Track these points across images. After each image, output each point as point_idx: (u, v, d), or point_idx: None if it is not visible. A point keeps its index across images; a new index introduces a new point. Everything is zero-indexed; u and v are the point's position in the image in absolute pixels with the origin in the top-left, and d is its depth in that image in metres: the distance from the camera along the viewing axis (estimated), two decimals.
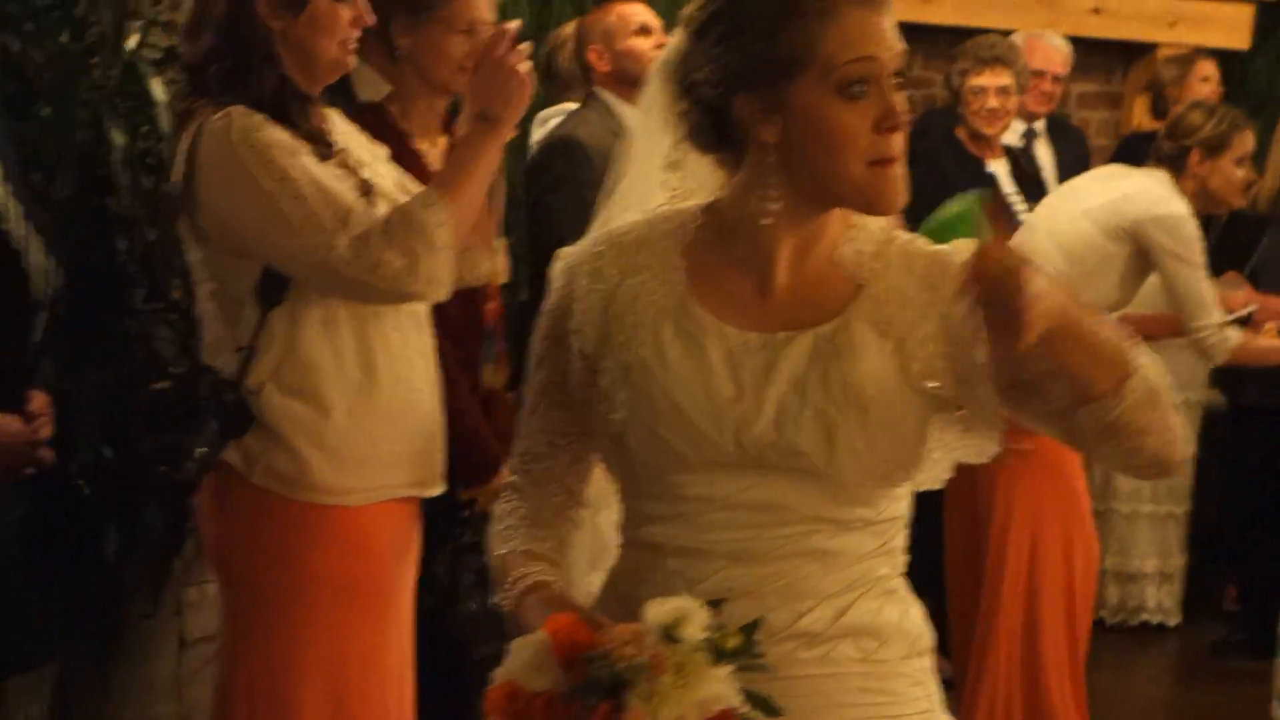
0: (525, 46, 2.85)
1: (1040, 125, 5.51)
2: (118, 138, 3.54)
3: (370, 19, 2.78)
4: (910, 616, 1.88)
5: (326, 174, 2.66)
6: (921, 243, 1.93)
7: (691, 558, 1.81)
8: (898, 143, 1.78)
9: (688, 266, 1.90)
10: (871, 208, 1.81)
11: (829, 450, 1.77)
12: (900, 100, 1.79)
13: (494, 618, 3.20)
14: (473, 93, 2.86)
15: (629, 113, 3.59)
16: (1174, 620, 5.93)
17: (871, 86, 1.77)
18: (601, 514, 2.09)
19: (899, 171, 1.80)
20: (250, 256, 2.67)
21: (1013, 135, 5.24)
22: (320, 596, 2.73)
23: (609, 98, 3.95)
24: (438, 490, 2.90)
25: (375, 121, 3.15)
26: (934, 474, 1.88)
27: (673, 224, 1.95)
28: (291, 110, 2.68)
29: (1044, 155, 5.50)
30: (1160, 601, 5.94)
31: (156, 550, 3.94)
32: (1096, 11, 5.52)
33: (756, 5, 1.81)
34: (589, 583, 2.10)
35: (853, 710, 1.84)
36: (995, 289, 1.61)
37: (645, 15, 4.04)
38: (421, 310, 2.84)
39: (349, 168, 2.74)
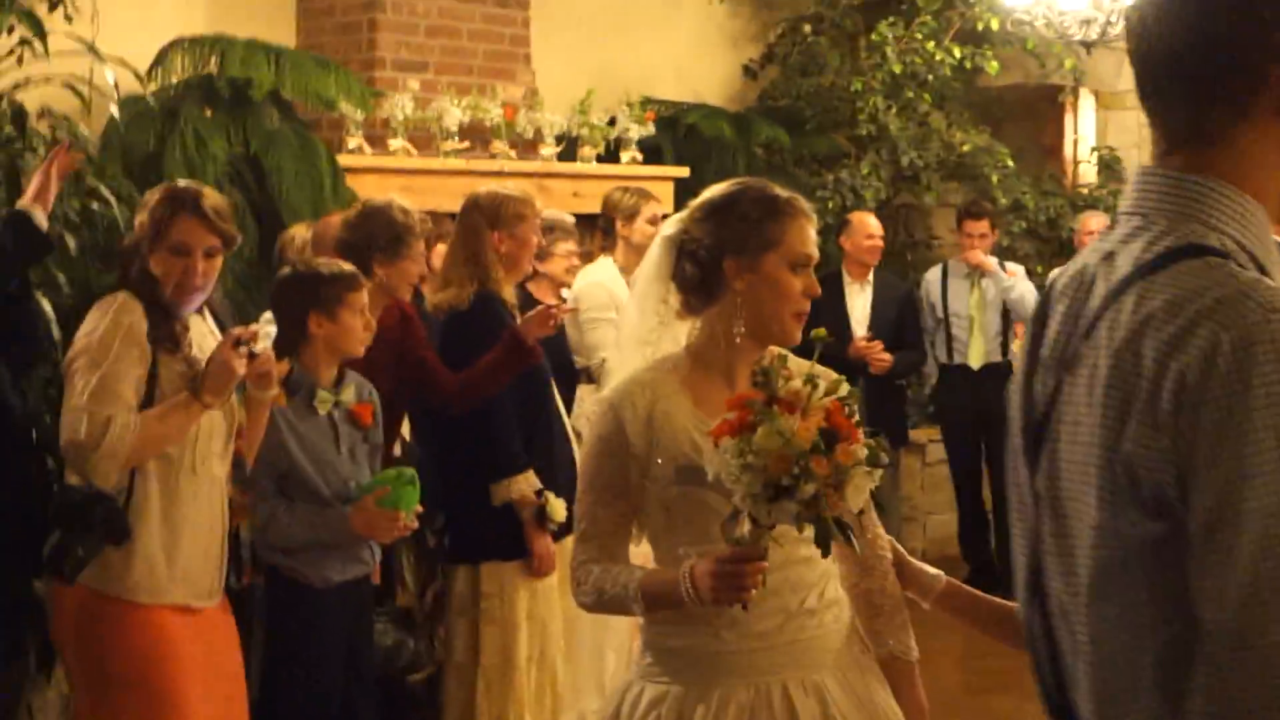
0: (250, 347, 3.62)
1: None
2: None
3: (199, 278, 3.67)
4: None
5: (128, 373, 3.54)
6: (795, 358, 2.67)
7: None
8: (808, 304, 2.69)
9: (690, 393, 2.70)
10: (787, 342, 2.70)
11: None
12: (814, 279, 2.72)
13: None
14: (201, 376, 3.64)
15: None
16: None
17: (806, 268, 2.70)
18: None
19: (803, 321, 2.70)
20: None
21: None
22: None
23: None
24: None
25: None
26: None
27: (669, 365, 2.75)
28: (156, 312, 3.64)
29: None
30: None
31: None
32: (576, 195, 7.31)
33: (753, 206, 2.70)
34: None
35: (839, 654, 2.73)
36: None
37: None
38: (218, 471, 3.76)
39: (186, 359, 3.69)
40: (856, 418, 2.46)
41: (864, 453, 2.41)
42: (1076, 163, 10.42)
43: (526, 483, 4.67)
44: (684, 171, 7.93)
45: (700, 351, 2.77)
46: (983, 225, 7.87)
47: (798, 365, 2.64)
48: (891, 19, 8.89)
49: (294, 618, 4.06)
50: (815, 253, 2.75)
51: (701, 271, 2.72)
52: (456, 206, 5.98)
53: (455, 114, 6.98)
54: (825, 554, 2.47)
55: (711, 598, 2.55)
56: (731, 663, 2.67)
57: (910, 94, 8.92)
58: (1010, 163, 9.14)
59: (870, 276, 7.69)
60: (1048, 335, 1.71)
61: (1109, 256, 1.64)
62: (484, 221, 4.80)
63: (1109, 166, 10.20)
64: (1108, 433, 1.55)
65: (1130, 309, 1.56)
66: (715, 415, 2.53)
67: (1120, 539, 1.56)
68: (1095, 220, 8.55)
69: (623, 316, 5.74)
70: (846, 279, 7.66)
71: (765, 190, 2.77)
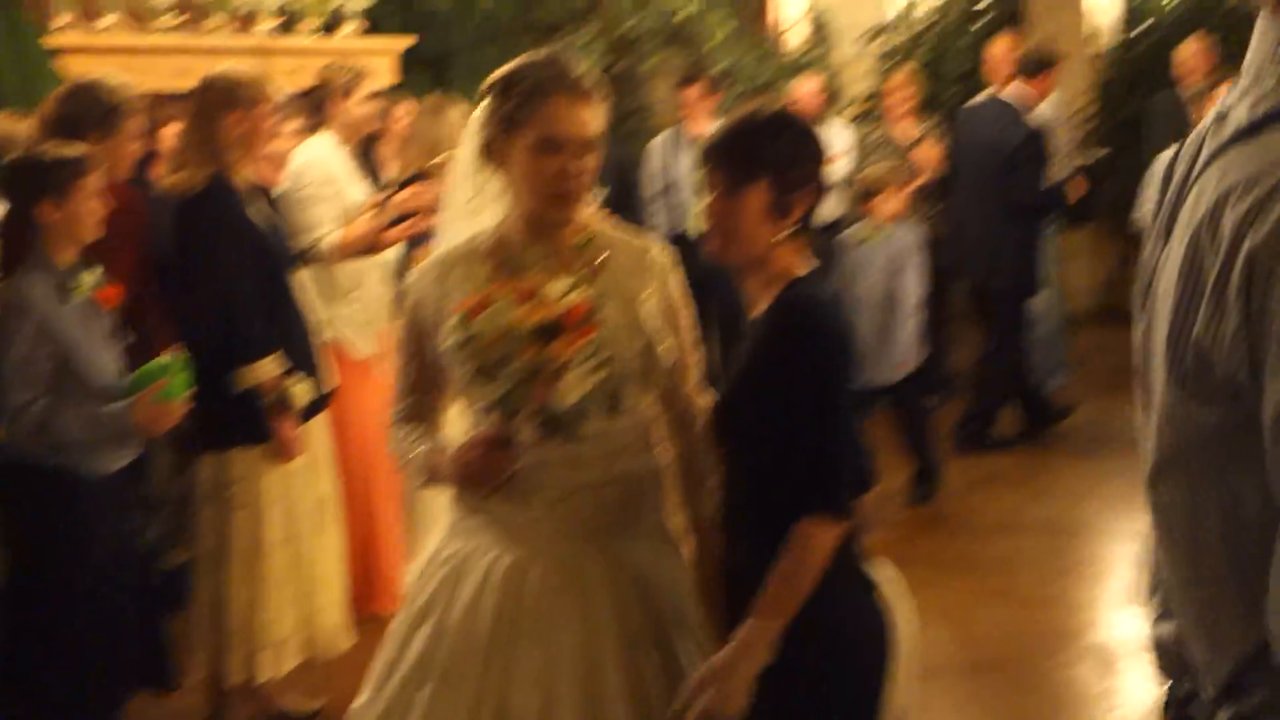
0: None
1: None
2: None
3: None
4: None
5: None
6: (619, 234, 2.82)
7: None
8: (568, 185, 2.65)
9: (490, 267, 2.75)
10: (550, 225, 2.73)
11: None
12: (579, 162, 2.65)
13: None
14: None
15: None
16: None
17: (561, 150, 2.63)
18: None
19: (566, 203, 2.69)
20: None
21: None
22: None
23: None
24: None
25: None
26: None
27: (476, 242, 2.81)
28: None
29: None
30: None
31: None
32: (297, 71, 7.17)
33: (517, 85, 2.69)
34: None
35: (622, 525, 2.83)
36: None
37: None
38: None
39: None
40: (596, 318, 2.56)
41: (588, 349, 2.53)
42: (784, 28, 10.70)
43: (270, 367, 4.68)
44: (408, 41, 7.88)
45: (502, 227, 2.82)
46: (704, 91, 8.04)
47: (625, 246, 2.82)
48: None
49: (61, 511, 4.01)
50: (576, 131, 2.68)
51: (485, 148, 2.77)
52: (174, 85, 5.90)
53: None
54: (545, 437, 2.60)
55: (459, 484, 2.70)
56: (510, 530, 2.80)
57: None
58: (726, 29, 9.34)
59: None
60: (1164, 201, 1.61)
61: (1221, 117, 1.53)
62: (218, 103, 4.73)
63: (818, 30, 10.51)
64: (1180, 313, 1.47)
65: (1215, 179, 1.45)
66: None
67: (1184, 425, 1.49)
68: (808, 84, 8.84)
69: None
70: None
71: (536, 66, 2.75)
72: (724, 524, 2.79)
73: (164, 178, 4.97)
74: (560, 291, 2.55)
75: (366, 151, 6.63)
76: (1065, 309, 9.17)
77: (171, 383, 3.96)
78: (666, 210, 8.13)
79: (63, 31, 6.54)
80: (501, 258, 2.78)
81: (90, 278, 4.07)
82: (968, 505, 7.20)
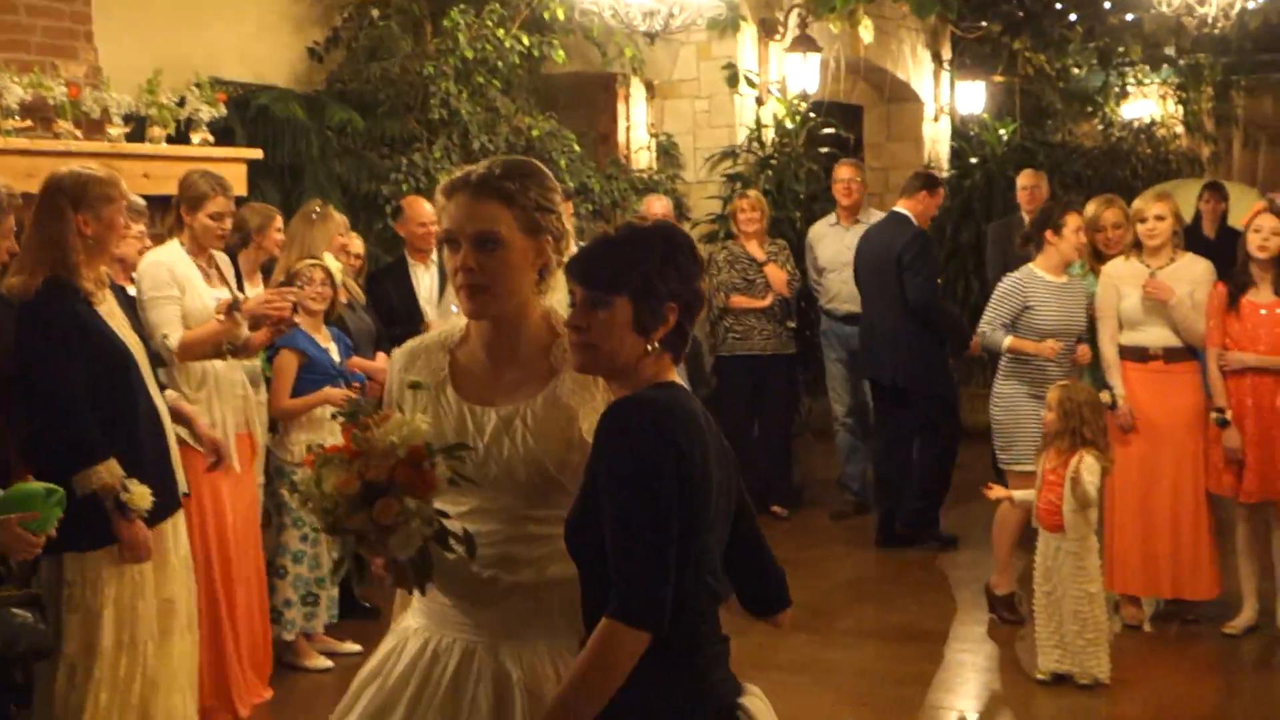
0: None
1: None
2: None
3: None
4: None
5: None
6: None
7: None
8: (464, 278, 2.73)
9: (451, 362, 2.88)
10: (465, 315, 2.85)
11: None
12: (475, 256, 2.72)
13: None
14: None
15: None
16: None
17: (457, 245, 2.76)
18: None
19: (466, 296, 2.74)
20: None
21: None
22: None
23: None
24: None
25: None
26: None
27: (447, 334, 2.94)
28: None
29: None
30: None
31: None
32: (146, 176, 7.12)
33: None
34: None
35: (547, 627, 2.79)
36: None
37: None
38: None
39: None
40: (435, 466, 2.62)
41: (421, 507, 2.58)
42: (630, 148, 10.88)
43: (108, 471, 4.53)
44: (256, 153, 7.84)
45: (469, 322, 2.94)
46: (568, 208, 8.12)
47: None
48: (462, 5, 9.06)
49: None
50: (466, 226, 2.76)
51: None
52: (21, 187, 5.74)
53: (17, 91, 6.67)
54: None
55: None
56: (441, 614, 2.86)
57: (480, 79, 9.09)
58: (577, 148, 9.47)
59: (433, 257, 7.76)
60: None
61: None
62: (67, 203, 4.61)
63: (667, 152, 10.71)
64: None
65: None
66: (464, 391, 2.83)
67: None
68: (659, 204, 9.00)
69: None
70: (411, 262, 7.74)
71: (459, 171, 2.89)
72: (582, 638, 2.63)
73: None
74: (389, 442, 2.59)
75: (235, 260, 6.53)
76: None
77: (46, 514, 3.84)
78: None
79: None
80: (460, 351, 2.90)
81: None
82: (827, 612, 7.23)
